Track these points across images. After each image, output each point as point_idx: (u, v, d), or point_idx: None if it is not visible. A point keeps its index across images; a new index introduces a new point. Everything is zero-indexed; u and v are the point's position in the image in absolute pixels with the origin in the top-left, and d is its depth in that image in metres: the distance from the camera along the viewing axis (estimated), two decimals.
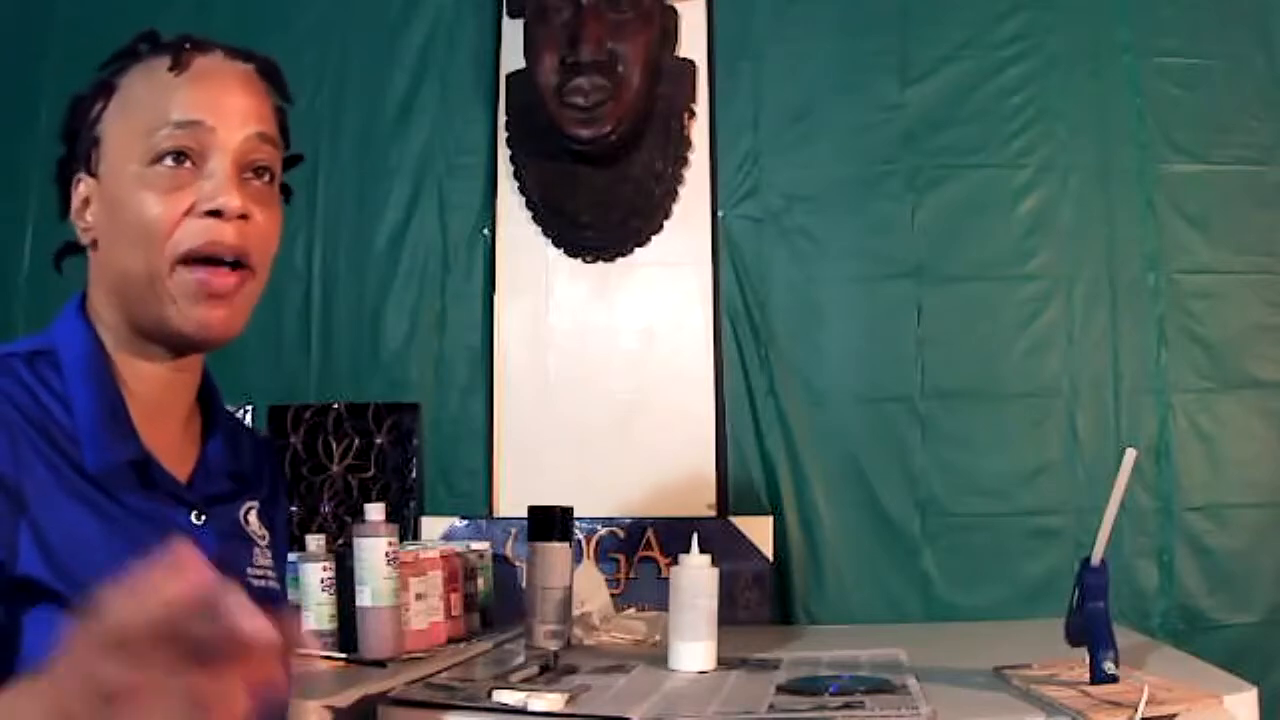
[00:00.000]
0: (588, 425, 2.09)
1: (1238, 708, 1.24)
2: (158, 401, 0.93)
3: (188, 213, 0.88)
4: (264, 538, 1.02)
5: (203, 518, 0.93)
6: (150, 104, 0.91)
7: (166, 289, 0.88)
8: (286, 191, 1.01)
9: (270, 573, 1.01)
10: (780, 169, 2.08)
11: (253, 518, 1.01)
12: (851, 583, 1.99)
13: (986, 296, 2.03)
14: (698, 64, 2.12)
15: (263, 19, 2.16)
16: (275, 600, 1.03)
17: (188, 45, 0.92)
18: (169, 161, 0.88)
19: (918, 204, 2.05)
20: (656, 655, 1.55)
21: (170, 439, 0.94)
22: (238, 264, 0.90)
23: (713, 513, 2.03)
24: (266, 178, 0.93)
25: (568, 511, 1.72)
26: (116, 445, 0.88)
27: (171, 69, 0.91)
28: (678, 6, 2.12)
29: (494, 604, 1.88)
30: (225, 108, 0.90)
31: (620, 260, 2.12)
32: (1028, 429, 2.00)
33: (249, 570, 0.98)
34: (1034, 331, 2.02)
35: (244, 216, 0.89)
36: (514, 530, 2.01)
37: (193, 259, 0.88)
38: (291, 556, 1.73)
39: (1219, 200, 2.02)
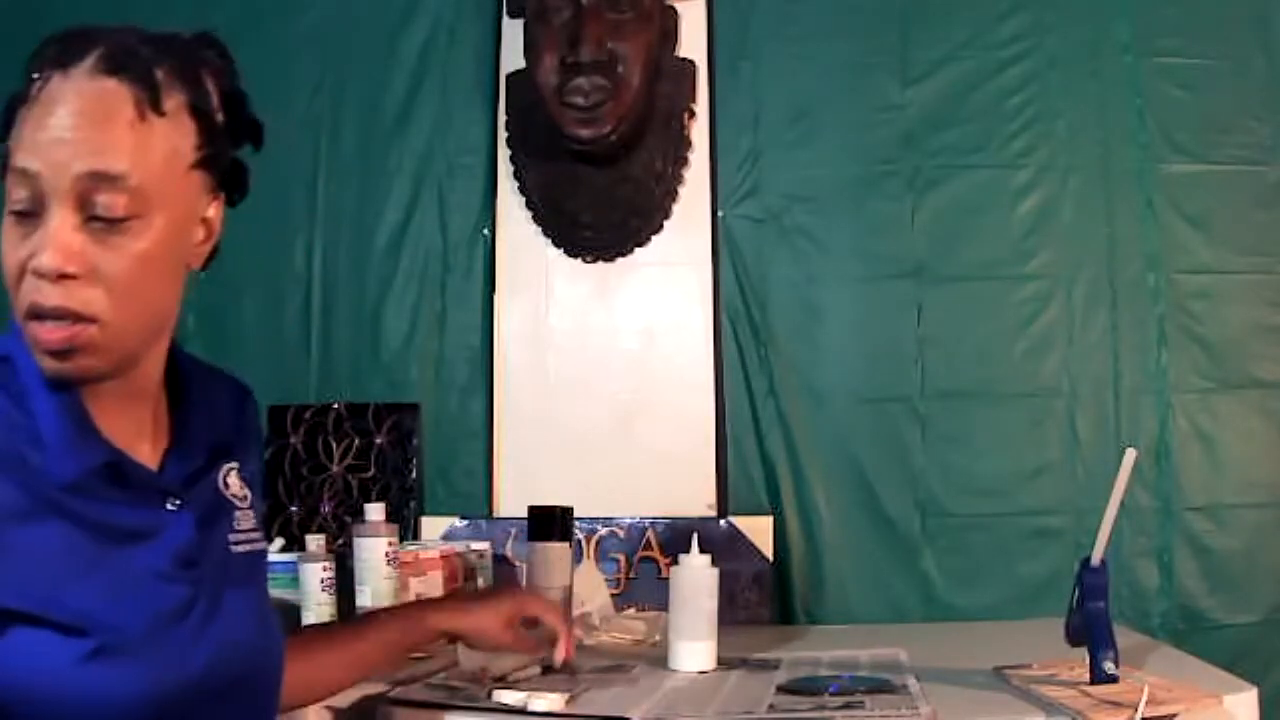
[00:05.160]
0: (588, 425, 2.09)
1: (1238, 708, 1.24)
2: (116, 395, 0.91)
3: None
4: (245, 498, 1.00)
5: (178, 502, 0.91)
6: (14, 139, 0.85)
7: (27, 337, 0.85)
8: (237, 182, 0.96)
9: (254, 534, 1.00)
10: (780, 169, 2.08)
11: (233, 479, 0.99)
12: (851, 583, 1.99)
13: (986, 296, 2.03)
14: (698, 64, 2.12)
15: (263, 19, 2.16)
16: (259, 561, 1.02)
17: (36, 75, 0.85)
18: (16, 210, 0.84)
19: (918, 204, 2.05)
20: (656, 655, 1.55)
21: (138, 426, 0.93)
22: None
23: (713, 513, 2.03)
24: (116, 221, 0.84)
25: (568, 511, 1.72)
26: (84, 453, 0.86)
27: (23, 102, 0.85)
28: (678, 6, 2.12)
29: None
30: (55, 151, 0.83)
31: (620, 260, 2.12)
32: (1028, 429, 2.00)
33: (230, 538, 0.96)
34: (1034, 331, 2.02)
35: (69, 276, 0.82)
36: (514, 530, 2.01)
37: (30, 315, 0.84)
38: (291, 556, 1.74)
39: (1219, 200, 2.02)
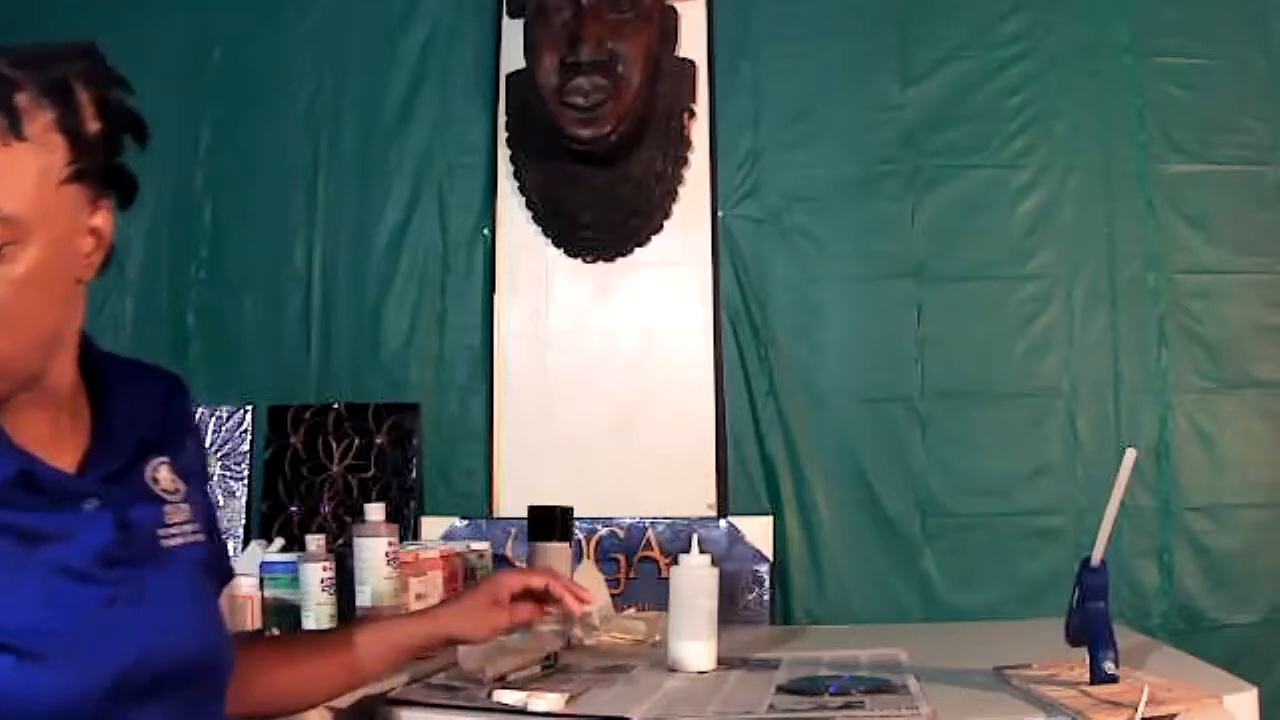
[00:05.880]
0: (588, 425, 2.09)
1: (1238, 708, 1.24)
2: (27, 404, 0.91)
3: None
4: (177, 492, 0.99)
5: (96, 502, 0.91)
6: None
7: None
8: (127, 185, 0.95)
9: (187, 527, 0.99)
10: (780, 169, 2.09)
11: (163, 474, 0.99)
12: (851, 583, 1.99)
13: (986, 296, 2.03)
14: (698, 64, 2.12)
15: (263, 19, 2.15)
16: (197, 554, 1.00)
17: None
18: None
19: (918, 204, 2.05)
20: (656, 655, 1.55)
21: (54, 430, 0.93)
22: None
23: (713, 513, 2.03)
24: None
25: (568, 511, 1.72)
26: None
27: None
28: (678, 6, 2.12)
29: None
30: None
31: (620, 260, 2.12)
32: (1028, 429, 2.00)
33: (159, 533, 0.96)
34: (1034, 331, 2.02)
35: None
36: (514, 530, 2.01)
37: None
38: (291, 556, 1.73)
39: (1219, 200, 2.02)
